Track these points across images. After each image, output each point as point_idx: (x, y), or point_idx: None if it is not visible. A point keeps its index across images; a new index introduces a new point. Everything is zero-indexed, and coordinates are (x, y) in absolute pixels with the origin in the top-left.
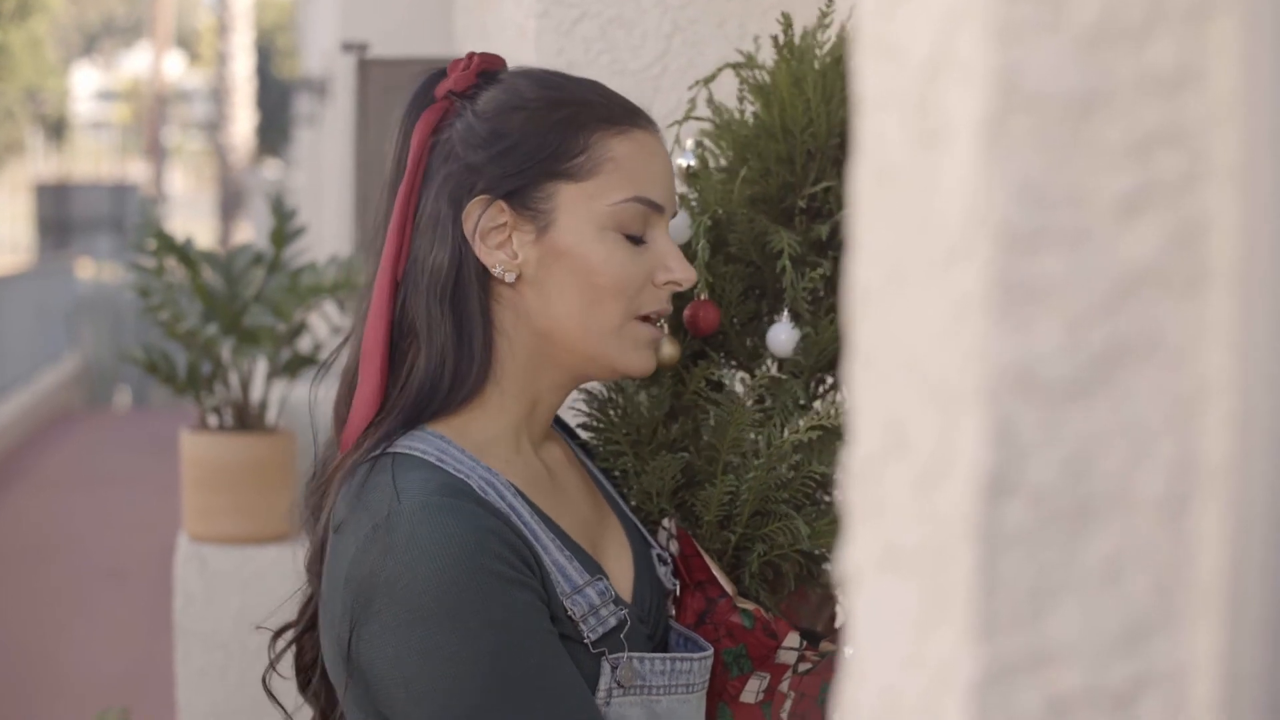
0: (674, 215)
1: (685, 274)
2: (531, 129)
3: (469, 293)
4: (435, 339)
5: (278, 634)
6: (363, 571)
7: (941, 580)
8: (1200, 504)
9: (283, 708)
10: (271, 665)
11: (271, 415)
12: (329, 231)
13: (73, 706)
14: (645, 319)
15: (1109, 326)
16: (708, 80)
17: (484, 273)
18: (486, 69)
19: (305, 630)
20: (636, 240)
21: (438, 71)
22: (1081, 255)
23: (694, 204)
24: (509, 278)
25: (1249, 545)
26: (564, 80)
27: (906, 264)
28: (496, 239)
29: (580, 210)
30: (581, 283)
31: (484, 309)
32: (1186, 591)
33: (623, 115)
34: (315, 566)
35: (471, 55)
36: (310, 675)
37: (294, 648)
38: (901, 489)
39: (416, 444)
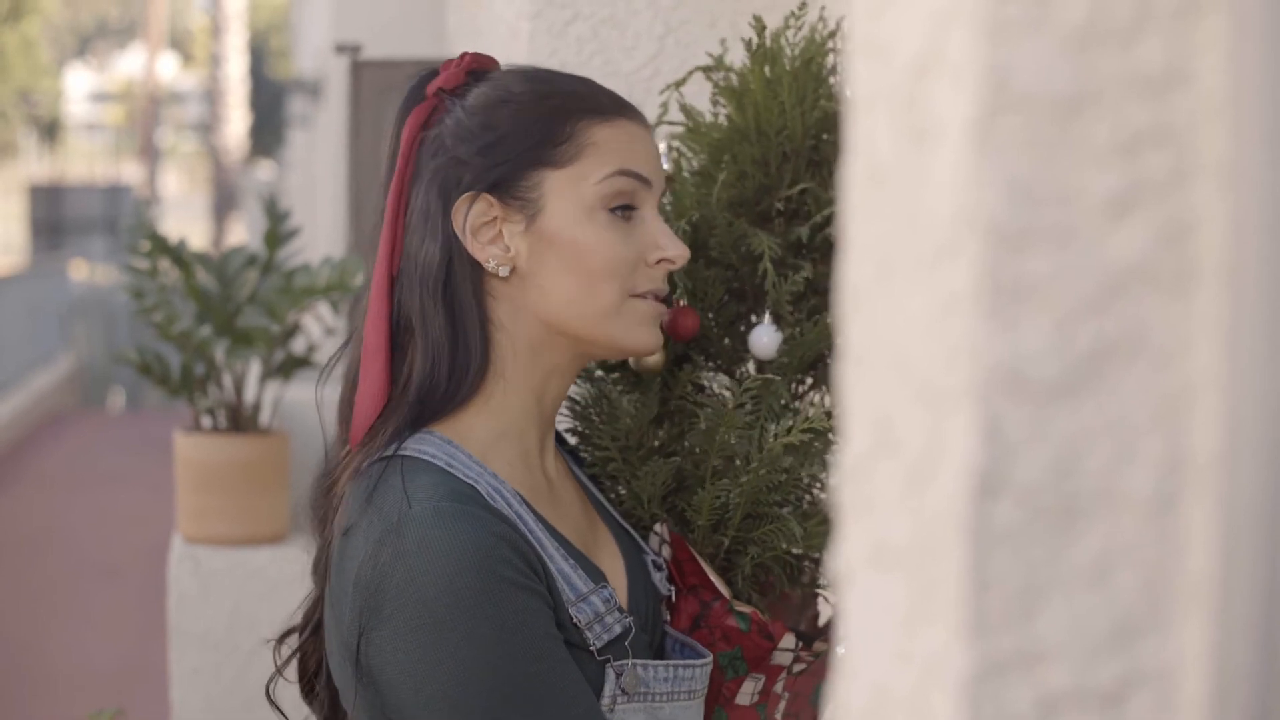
0: (662, 193)
1: (677, 250)
2: (518, 121)
3: (462, 287)
4: (430, 334)
5: (281, 639)
6: (372, 576)
7: (931, 578)
8: (1188, 502)
9: (285, 717)
10: (278, 671)
11: (265, 417)
12: (323, 233)
13: (67, 706)
14: (641, 296)
15: (1097, 325)
16: (679, 84)
17: (476, 269)
18: (477, 67)
19: (310, 635)
20: (627, 209)
21: (431, 71)
22: (1069, 254)
23: (668, 208)
24: (503, 272)
25: (1237, 544)
26: (552, 75)
27: (896, 262)
28: (488, 234)
29: (567, 195)
30: (575, 267)
31: (479, 304)
32: (1175, 590)
33: (609, 105)
34: (321, 569)
35: (464, 54)
36: (314, 681)
37: (297, 654)
38: (891, 487)
39: (425, 447)
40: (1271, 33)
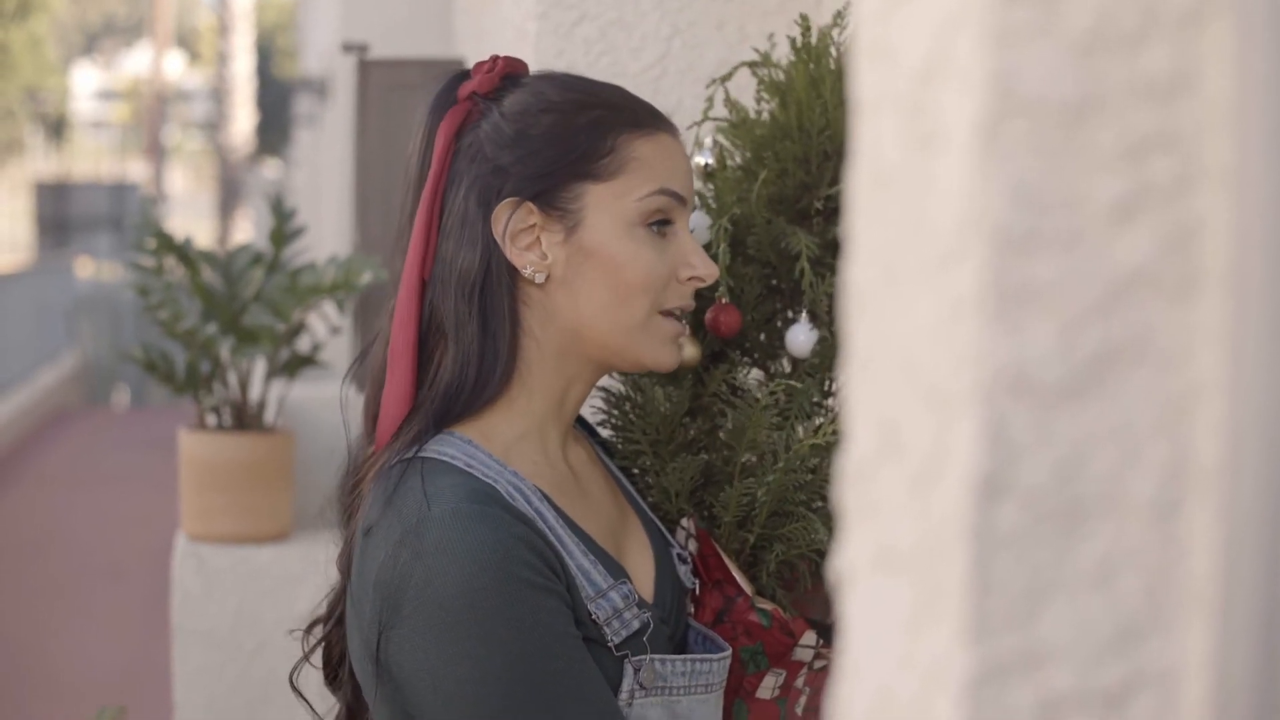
0: (692, 210)
1: (707, 269)
2: (559, 131)
3: (497, 293)
4: (463, 339)
5: (309, 629)
6: (392, 576)
7: (935, 581)
8: (1192, 506)
9: (310, 706)
10: (305, 658)
11: (270, 415)
12: (328, 231)
13: (70, 704)
14: (669, 314)
15: (1102, 329)
16: (725, 78)
17: (513, 274)
18: (510, 72)
19: (335, 625)
20: (663, 224)
21: (460, 73)
22: (1075, 258)
23: (711, 203)
24: (539, 278)
25: (1240, 547)
26: (589, 84)
27: (901, 266)
28: (526, 240)
29: (608, 209)
30: (610, 280)
31: (512, 310)
32: (1178, 593)
33: (647, 118)
34: (345, 564)
35: (495, 58)
36: (338, 670)
37: (322, 643)
38: (896, 490)
39: (445, 449)
40: (1277, 39)
